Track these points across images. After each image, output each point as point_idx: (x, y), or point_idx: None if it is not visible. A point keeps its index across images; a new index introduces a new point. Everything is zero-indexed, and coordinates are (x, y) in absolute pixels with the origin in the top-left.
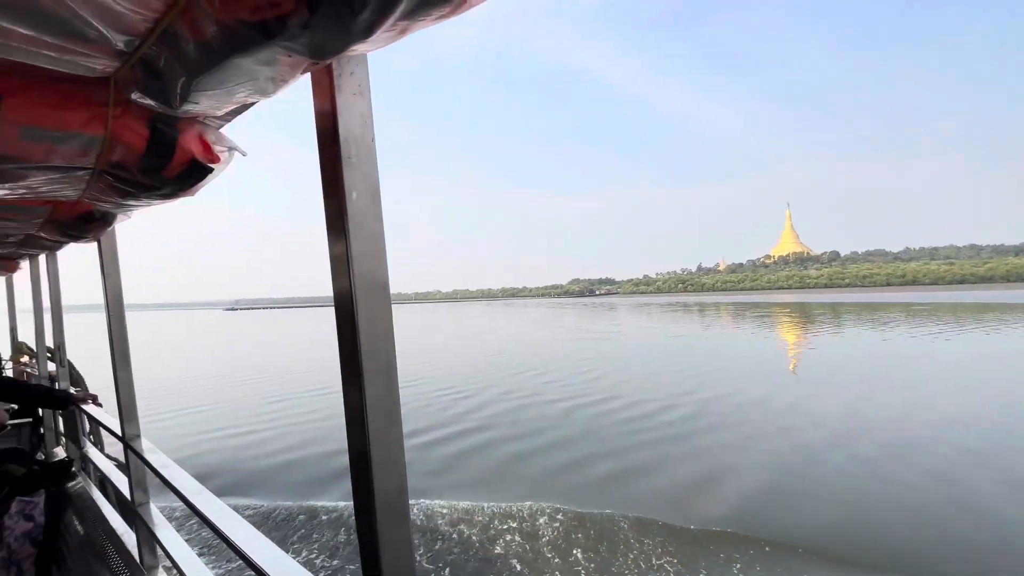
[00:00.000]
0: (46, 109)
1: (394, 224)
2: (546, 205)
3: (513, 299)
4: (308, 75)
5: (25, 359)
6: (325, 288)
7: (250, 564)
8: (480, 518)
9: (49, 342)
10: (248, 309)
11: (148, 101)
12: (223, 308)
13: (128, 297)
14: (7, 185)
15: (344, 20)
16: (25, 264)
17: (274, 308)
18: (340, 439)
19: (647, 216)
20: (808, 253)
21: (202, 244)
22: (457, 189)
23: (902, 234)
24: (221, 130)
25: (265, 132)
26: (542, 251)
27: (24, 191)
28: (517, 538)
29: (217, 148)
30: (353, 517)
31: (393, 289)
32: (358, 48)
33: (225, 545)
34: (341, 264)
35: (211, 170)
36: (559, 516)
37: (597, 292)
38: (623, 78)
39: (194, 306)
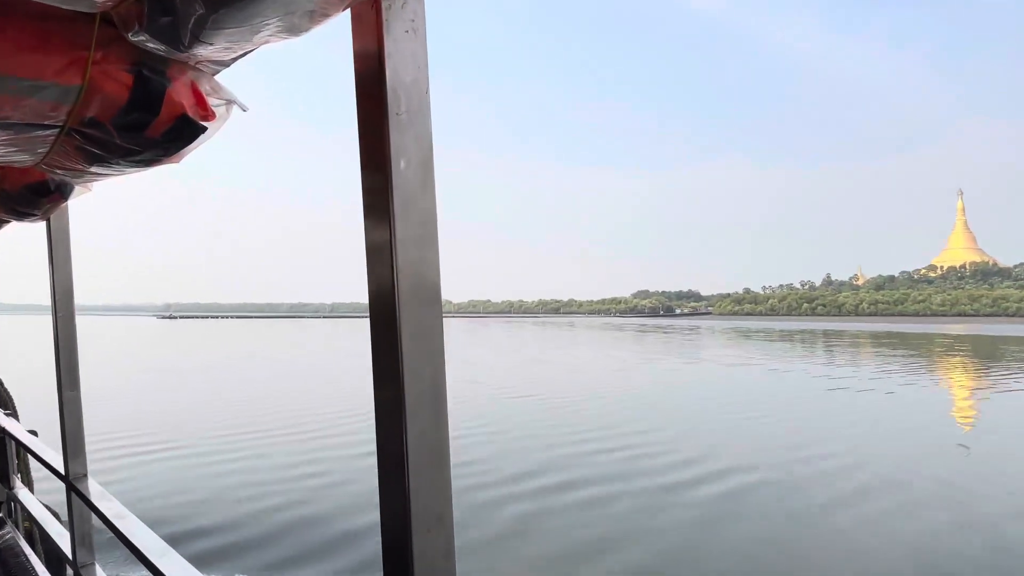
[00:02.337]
0: (19, 53)
1: None
2: (602, 189)
3: (556, 315)
4: (347, 12)
5: None
6: (283, 296)
7: None
8: None
9: None
10: (185, 317)
11: (149, 42)
12: (155, 315)
13: (29, 297)
14: None
15: None
16: None
17: (217, 317)
18: (348, 491)
19: (747, 206)
20: (994, 264)
21: (124, 234)
22: (471, 163)
23: None
24: (217, 78)
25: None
26: (595, 251)
27: None
28: None
29: (212, 101)
30: None
31: (364, 298)
32: None
33: None
34: (381, 253)
35: (204, 129)
36: None
37: (678, 311)
38: (720, 3)
39: (114, 310)
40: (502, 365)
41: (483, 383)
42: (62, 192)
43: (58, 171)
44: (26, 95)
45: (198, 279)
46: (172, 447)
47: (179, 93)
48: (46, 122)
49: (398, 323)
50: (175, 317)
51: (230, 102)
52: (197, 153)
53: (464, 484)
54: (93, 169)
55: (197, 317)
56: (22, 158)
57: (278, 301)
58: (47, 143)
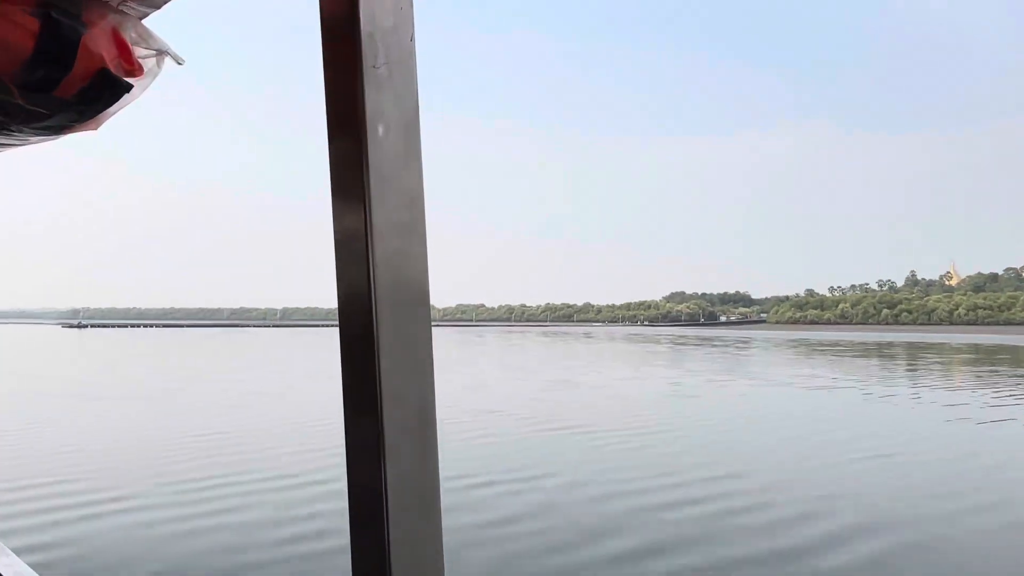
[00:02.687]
0: None
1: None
2: (623, 161)
3: (568, 323)
4: None
5: None
6: (223, 300)
7: None
8: None
9: None
10: (98, 325)
11: None
12: (59, 322)
13: None
14: None
15: None
16: None
17: (140, 325)
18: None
19: (810, 182)
20: None
21: (13, 223)
22: (457, 130)
23: None
24: (146, 23)
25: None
26: (615, 242)
27: None
28: None
29: (140, 52)
30: None
31: (324, 302)
32: None
33: None
34: (354, 242)
35: (128, 87)
36: None
37: (723, 318)
38: None
39: (4, 316)
40: (523, 390)
41: (505, 413)
42: None
43: None
44: None
45: (114, 279)
46: (108, 499)
47: (97, 42)
48: None
49: (375, 332)
50: (85, 325)
51: (161, 53)
52: (119, 119)
53: (507, 550)
54: None
55: (114, 326)
56: None
57: (216, 306)
58: None
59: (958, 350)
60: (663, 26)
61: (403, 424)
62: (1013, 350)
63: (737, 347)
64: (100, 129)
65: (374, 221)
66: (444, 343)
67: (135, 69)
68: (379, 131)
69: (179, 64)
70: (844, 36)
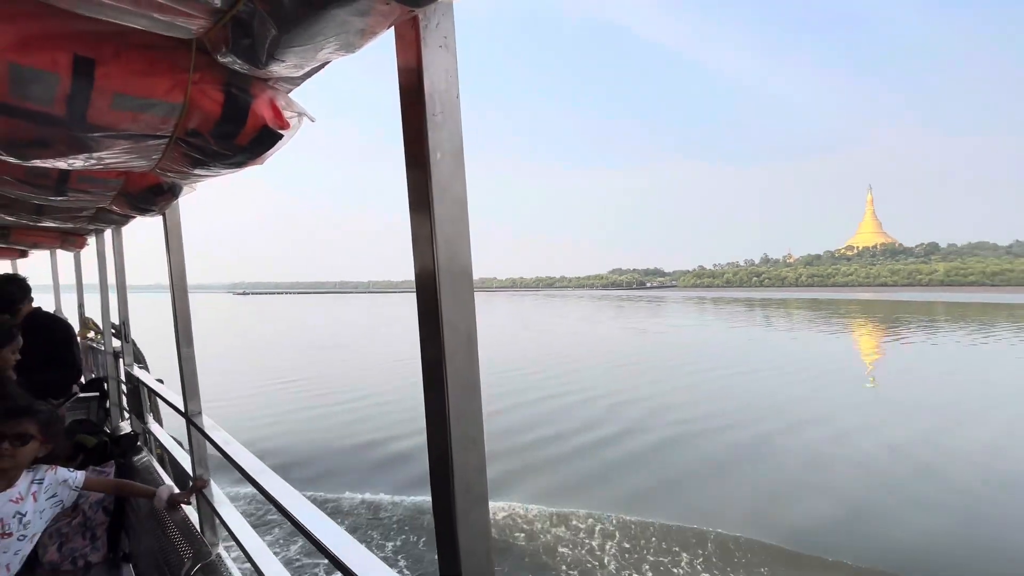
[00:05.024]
0: (134, 76)
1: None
2: (578, 184)
3: (551, 289)
4: (391, 30)
5: (91, 334)
6: (328, 275)
7: (318, 546)
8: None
9: (115, 318)
10: (256, 293)
11: (235, 63)
12: (230, 291)
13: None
14: (93, 155)
15: None
16: (91, 240)
17: (281, 293)
18: (397, 428)
19: (695, 199)
20: (897, 245)
21: (199, 221)
22: (475, 163)
23: (1005, 224)
24: (291, 95)
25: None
26: (575, 236)
27: (104, 162)
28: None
29: (287, 114)
30: (424, 515)
31: (395, 277)
32: None
33: (291, 526)
34: (424, 238)
35: (281, 137)
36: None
37: (648, 284)
38: (673, 39)
39: (191, 288)
40: (612, 336)
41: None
42: (173, 192)
43: (169, 174)
44: (141, 111)
45: (256, 260)
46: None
47: (261, 107)
48: (157, 133)
49: (438, 295)
50: (248, 293)
51: (301, 114)
52: (276, 156)
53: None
54: (196, 172)
55: (265, 293)
56: (140, 164)
57: (326, 279)
58: (159, 151)
59: (813, 302)
60: (615, 102)
61: (456, 345)
62: (833, 302)
63: (693, 303)
64: (265, 163)
65: (436, 217)
66: (500, 305)
67: (284, 125)
68: (437, 156)
69: (312, 121)
70: (703, 107)
